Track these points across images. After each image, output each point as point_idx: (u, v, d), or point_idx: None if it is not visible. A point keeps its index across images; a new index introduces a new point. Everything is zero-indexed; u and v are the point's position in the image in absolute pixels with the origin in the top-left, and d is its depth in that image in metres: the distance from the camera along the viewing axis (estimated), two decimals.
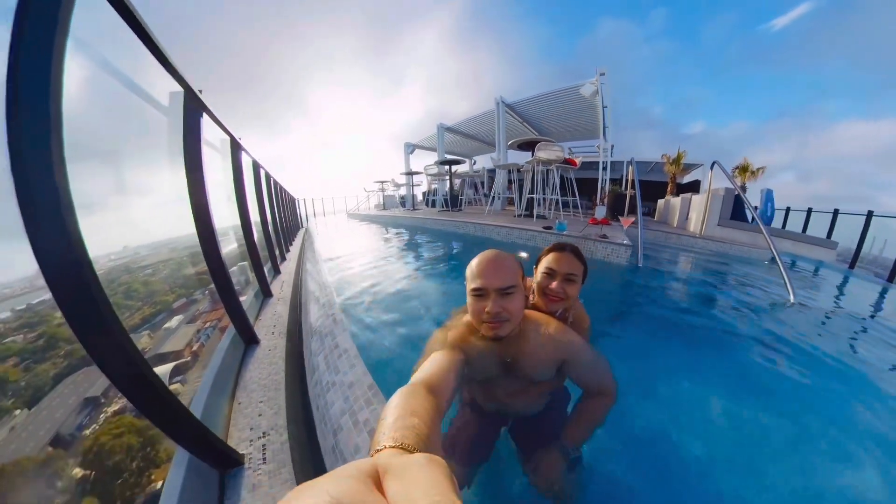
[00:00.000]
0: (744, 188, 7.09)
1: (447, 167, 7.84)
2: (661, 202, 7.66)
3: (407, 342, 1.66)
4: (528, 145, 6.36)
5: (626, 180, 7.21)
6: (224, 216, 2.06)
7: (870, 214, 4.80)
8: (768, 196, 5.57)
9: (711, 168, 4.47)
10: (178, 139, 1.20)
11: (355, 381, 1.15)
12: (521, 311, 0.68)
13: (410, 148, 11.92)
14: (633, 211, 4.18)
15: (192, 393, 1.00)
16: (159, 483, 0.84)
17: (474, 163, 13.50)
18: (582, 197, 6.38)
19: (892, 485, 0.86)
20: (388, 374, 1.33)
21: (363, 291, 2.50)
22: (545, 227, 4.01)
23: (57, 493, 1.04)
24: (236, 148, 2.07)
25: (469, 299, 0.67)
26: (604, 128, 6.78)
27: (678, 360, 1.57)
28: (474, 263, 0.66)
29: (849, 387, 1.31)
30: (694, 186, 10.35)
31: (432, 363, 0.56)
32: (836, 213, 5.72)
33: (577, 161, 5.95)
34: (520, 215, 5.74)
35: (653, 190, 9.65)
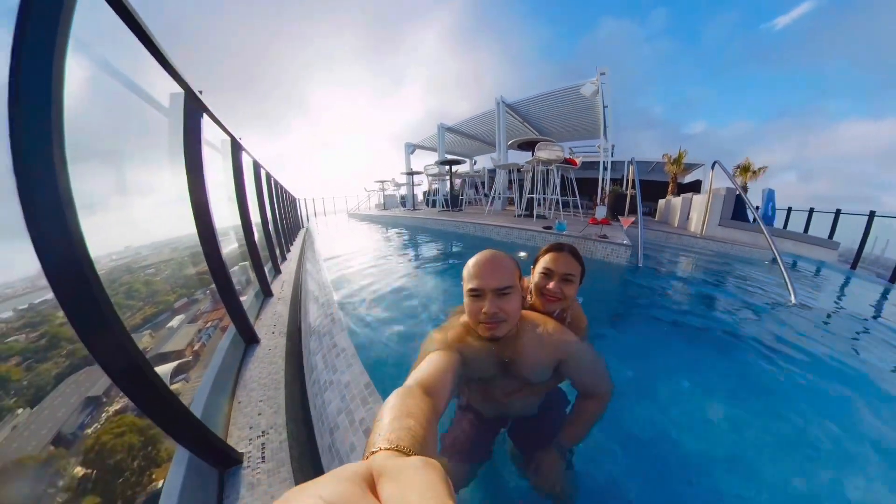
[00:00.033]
0: (745, 188, 7.06)
1: (447, 167, 7.84)
2: (661, 202, 7.65)
3: (405, 341, 1.66)
4: (529, 145, 6.36)
5: (627, 180, 7.20)
6: (225, 216, 2.07)
7: (872, 215, 4.78)
8: (770, 196, 5.55)
9: (712, 168, 4.46)
10: (179, 140, 1.21)
11: (352, 380, 1.16)
12: (518, 312, 0.69)
13: (411, 148, 11.93)
14: (633, 211, 4.18)
15: (193, 392, 1.01)
16: (160, 482, 0.84)
17: (475, 163, 13.51)
18: (582, 197, 6.37)
19: (892, 486, 0.86)
20: (386, 373, 1.33)
21: (362, 291, 2.50)
22: (545, 227, 4.01)
23: (59, 492, 1.04)
24: (237, 148, 2.08)
25: (466, 299, 0.67)
26: (604, 127, 6.78)
27: (678, 360, 1.57)
28: (471, 264, 0.66)
29: (850, 388, 1.30)
30: (695, 186, 10.32)
31: (429, 364, 0.56)
32: (837, 213, 5.70)
33: (578, 161, 5.94)
34: (520, 215, 5.74)
35: (654, 190, 9.63)
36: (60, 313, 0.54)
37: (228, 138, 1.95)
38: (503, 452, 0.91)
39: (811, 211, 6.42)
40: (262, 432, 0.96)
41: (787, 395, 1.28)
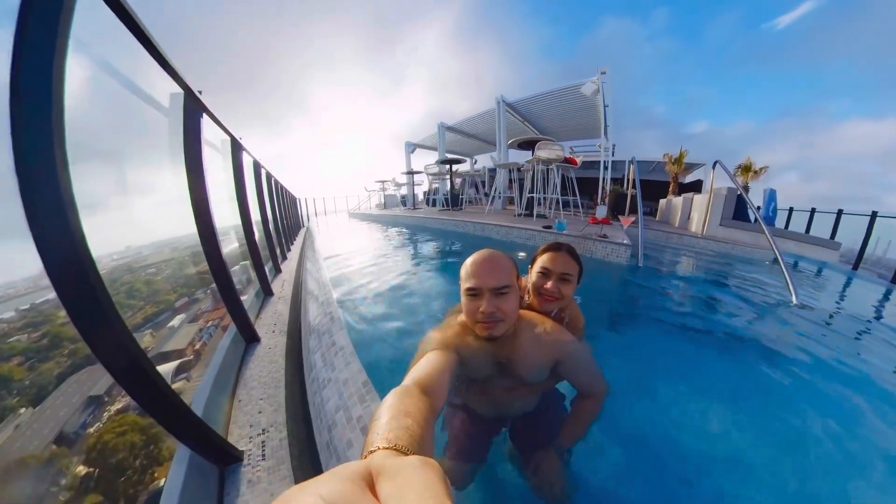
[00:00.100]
0: (746, 188, 7.04)
1: (448, 166, 7.84)
2: (662, 202, 7.63)
3: (404, 340, 1.67)
4: (529, 144, 6.36)
5: (628, 180, 7.19)
6: (226, 216, 2.08)
7: (874, 215, 4.77)
8: (771, 196, 5.54)
9: (713, 167, 4.45)
10: (179, 139, 1.21)
11: (350, 378, 1.16)
12: (516, 311, 0.69)
13: (411, 147, 11.93)
14: (634, 211, 4.17)
15: (194, 391, 1.01)
16: (161, 481, 0.85)
17: (475, 162, 13.50)
18: (583, 196, 6.36)
19: (893, 487, 0.86)
20: (384, 371, 1.34)
21: (362, 289, 2.51)
22: (545, 227, 4.01)
23: (62, 491, 1.05)
24: (237, 148, 2.08)
25: (463, 299, 0.67)
26: (605, 127, 6.76)
27: (677, 361, 1.57)
28: (469, 263, 0.67)
29: (850, 389, 1.29)
30: (696, 186, 10.29)
31: (426, 363, 0.56)
32: (839, 213, 5.68)
33: (578, 160, 5.94)
34: (520, 215, 5.74)
35: (655, 189, 9.61)
36: (62, 313, 0.55)
37: (229, 138, 1.96)
38: (503, 453, 0.91)
39: (813, 211, 6.40)
40: (263, 430, 0.96)
41: (787, 396, 1.28)
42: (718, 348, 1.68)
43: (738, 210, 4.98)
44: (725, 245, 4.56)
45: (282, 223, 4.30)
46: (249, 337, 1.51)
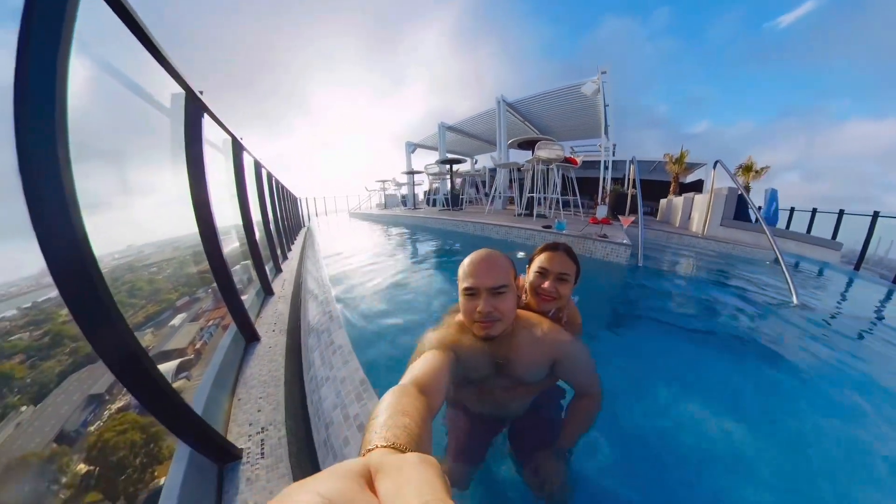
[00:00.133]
0: (748, 188, 7.03)
1: (448, 166, 7.84)
2: (663, 202, 7.62)
3: (403, 338, 1.67)
4: (529, 144, 6.36)
5: (628, 179, 7.18)
6: (227, 216, 2.09)
7: (876, 215, 4.75)
8: (772, 196, 5.53)
9: (714, 167, 4.45)
10: (181, 139, 1.22)
11: (347, 377, 1.17)
12: (513, 311, 0.69)
13: (412, 147, 11.94)
14: (634, 211, 4.17)
15: (194, 389, 1.02)
16: (162, 479, 0.86)
17: (475, 162, 13.50)
18: (583, 196, 6.36)
19: (893, 488, 0.86)
20: (382, 369, 1.34)
21: (362, 288, 2.52)
22: (544, 227, 4.01)
23: (62, 489, 1.06)
24: (238, 148, 2.09)
25: (461, 298, 0.67)
26: (605, 126, 6.76)
27: (677, 361, 1.56)
28: (466, 262, 0.67)
29: (851, 389, 1.29)
30: (697, 186, 10.27)
31: (423, 363, 0.56)
32: (841, 213, 5.67)
33: (578, 160, 5.93)
34: (520, 214, 5.74)
35: (655, 189, 9.59)
36: (63, 311, 0.56)
37: (230, 138, 1.97)
38: (502, 453, 0.91)
39: (814, 211, 6.39)
40: (262, 428, 0.97)
41: (787, 396, 1.28)
42: (719, 348, 1.68)
43: (738, 210, 4.97)
44: (726, 245, 4.55)
45: (282, 223, 4.31)
46: (250, 336, 1.51)
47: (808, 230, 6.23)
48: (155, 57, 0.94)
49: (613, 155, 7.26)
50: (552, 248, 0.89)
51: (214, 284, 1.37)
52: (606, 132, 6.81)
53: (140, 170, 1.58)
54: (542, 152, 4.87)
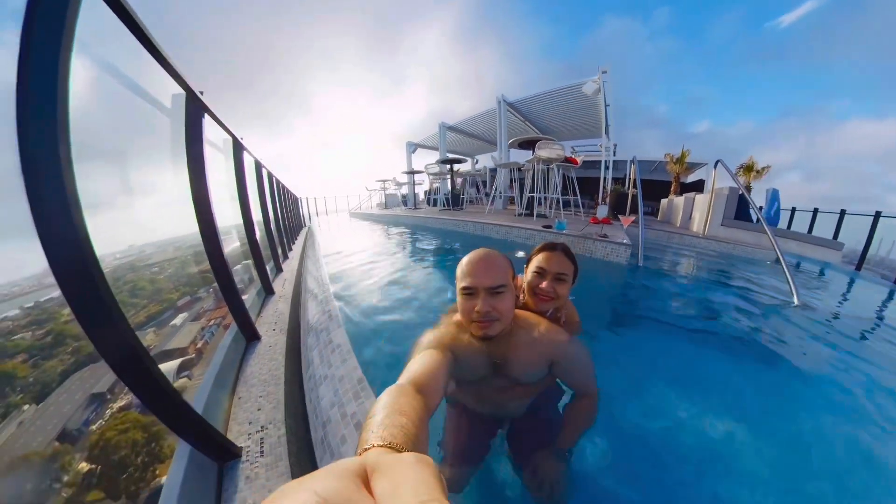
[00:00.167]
0: (749, 188, 7.01)
1: (449, 166, 7.85)
2: (664, 202, 7.61)
3: (402, 338, 1.68)
4: (529, 144, 6.36)
5: (629, 179, 7.17)
6: (228, 215, 2.09)
7: (877, 215, 4.74)
8: (774, 196, 5.51)
9: (715, 167, 4.44)
10: (181, 139, 1.23)
11: (345, 375, 1.17)
12: (512, 311, 0.68)
13: (412, 147, 11.95)
14: (635, 210, 4.17)
15: (195, 388, 1.02)
16: (162, 478, 0.86)
17: (476, 162, 13.49)
18: (584, 196, 6.36)
19: (893, 488, 0.86)
20: (381, 368, 1.35)
21: (361, 288, 2.52)
22: (544, 226, 4.01)
23: (64, 487, 1.06)
24: (238, 148, 2.10)
25: (459, 298, 0.67)
26: (606, 126, 6.75)
27: (677, 361, 1.56)
28: (464, 262, 0.66)
29: (851, 390, 1.29)
30: (698, 186, 10.24)
31: (421, 363, 0.56)
32: (842, 213, 5.65)
33: (579, 160, 5.93)
34: (520, 214, 5.74)
35: (656, 189, 9.57)
36: (66, 311, 0.56)
37: (230, 138, 1.97)
38: (501, 454, 0.91)
39: (815, 211, 6.37)
40: (262, 427, 0.97)
41: (787, 396, 1.27)
42: (719, 348, 1.68)
43: (739, 210, 4.96)
44: (727, 245, 4.54)
45: (283, 222, 4.32)
46: (250, 335, 1.52)
47: (810, 230, 6.22)
48: (155, 58, 0.95)
49: (614, 155, 7.25)
50: (550, 247, 0.89)
51: (215, 284, 1.37)
52: (607, 132, 6.80)
53: (141, 170, 1.58)
54: (543, 152, 4.87)
